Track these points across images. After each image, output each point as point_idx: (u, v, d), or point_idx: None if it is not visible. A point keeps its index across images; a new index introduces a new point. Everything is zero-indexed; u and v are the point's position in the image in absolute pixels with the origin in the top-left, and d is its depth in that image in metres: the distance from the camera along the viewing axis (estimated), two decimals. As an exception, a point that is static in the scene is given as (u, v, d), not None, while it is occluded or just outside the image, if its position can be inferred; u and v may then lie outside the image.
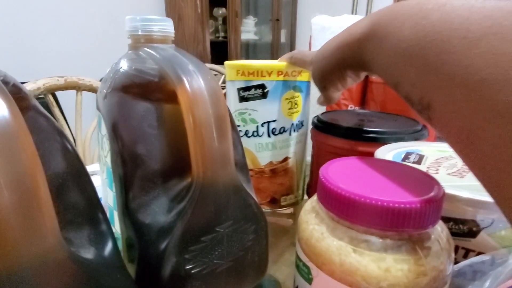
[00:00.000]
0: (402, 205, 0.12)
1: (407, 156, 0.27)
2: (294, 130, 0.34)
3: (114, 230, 0.18)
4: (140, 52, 0.21)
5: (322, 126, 0.33)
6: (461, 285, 0.19)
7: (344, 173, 0.15)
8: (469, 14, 0.12)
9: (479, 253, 0.20)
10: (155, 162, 0.19)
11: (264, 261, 0.23)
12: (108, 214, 0.18)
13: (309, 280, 0.15)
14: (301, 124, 0.35)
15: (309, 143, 0.37)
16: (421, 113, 0.14)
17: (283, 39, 2.15)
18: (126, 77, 0.20)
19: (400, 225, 0.13)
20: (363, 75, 0.22)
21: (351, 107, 0.46)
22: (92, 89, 0.62)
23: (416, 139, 0.30)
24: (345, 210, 0.14)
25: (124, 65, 0.21)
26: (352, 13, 1.98)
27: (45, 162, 0.15)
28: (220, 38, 1.70)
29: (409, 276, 0.12)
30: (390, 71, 0.15)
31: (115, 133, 0.20)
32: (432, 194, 0.13)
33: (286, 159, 0.34)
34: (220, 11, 1.64)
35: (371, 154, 0.28)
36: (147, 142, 0.19)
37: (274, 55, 2.09)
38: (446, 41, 0.12)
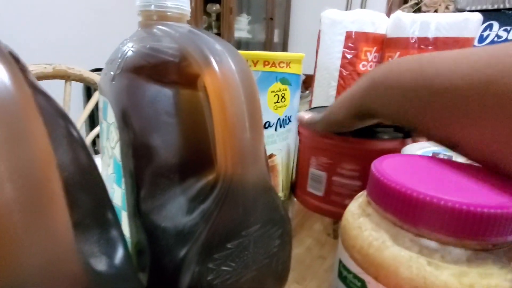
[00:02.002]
0: (491, 210, 0.10)
1: (434, 156, 0.25)
2: (281, 126, 0.32)
3: (122, 234, 0.15)
4: (154, 30, 0.19)
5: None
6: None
7: (404, 172, 0.13)
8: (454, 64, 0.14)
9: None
10: (172, 156, 0.17)
11: (286, 269, 0.21)
12: (115, 215, 0.16)
13: (363, 296, 0.13)
14: (288, 120, 0.32)
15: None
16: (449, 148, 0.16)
17: (276, 38, 2.14)
18: (138, 56, 0.18)
19: (487, 233, 0.11)
20: (368, 122, 0.23)
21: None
22: (82, 79, 0.58)
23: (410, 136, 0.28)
24: (415, 213, 0.12)
25: (134, 44, 0.19)
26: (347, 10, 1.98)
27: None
28: (213, 35, 1.66)
29: (497, 294, 0.10)
30: (402, 116, 0.17)
31: (125, 121, 0.17)
32: (518, 197, 0.11)
33: (271, 156, 0.32)
34: (214, 7, 1.60)
35: (367, 151, 0.26)
36: (164, 132, 0.17)
37: (266, 55, 2.07)
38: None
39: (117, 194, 0.18)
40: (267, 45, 2.05)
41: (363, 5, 1.90)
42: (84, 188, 0.13)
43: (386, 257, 0.12)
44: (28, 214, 0.08)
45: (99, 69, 1.36)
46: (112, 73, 0.18)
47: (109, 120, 0.18)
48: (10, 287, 0.08)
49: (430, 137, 0.17)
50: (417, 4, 1.70)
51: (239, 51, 0.30)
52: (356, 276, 0.13)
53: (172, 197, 0.16)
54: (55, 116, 0.14)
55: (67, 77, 0.56)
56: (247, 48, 2.11)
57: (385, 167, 0.14)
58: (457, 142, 0.14)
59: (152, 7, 0.19)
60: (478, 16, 0.35)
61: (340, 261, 0.15)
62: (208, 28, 1.67)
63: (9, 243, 0.08)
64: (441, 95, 0.14)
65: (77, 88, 1.29)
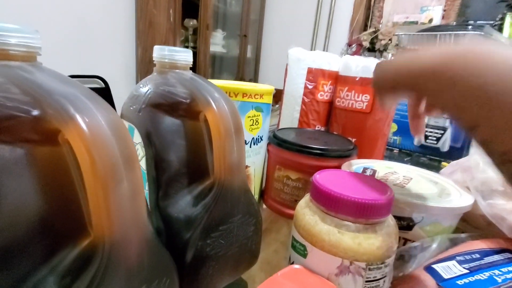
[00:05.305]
0: (370, 202, 0.19)
1: (364, 170, 0.35)
2: (254, 143, 0.40)
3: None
4: (168, 77, 0.26)
5: (276, 141, 0.40)
6: (400, 265, 0.27)
7: (329, 180, 0.22)
8: None
9: (413, 242, 0.28)
10: (182, 167, 0.24)
11: (257, 250, 0.28)
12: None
13: (305, 255, 0.21)
14: (260, 139, 0.41)
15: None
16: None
17: (249, 54, 2.25)
18: (159, 96, 0.25)
19: (368, 215, 0.20)
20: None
21: (318, 127, 0.54)
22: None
23: (348, 156, 0.38)
24: (332, 205, 0.20)
25: (154, 87, 0.26)
26: (314, 31, 2.16)
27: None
28: (189, 48, 1.73)
29: (373, 247, 0.19)
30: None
31: (149, 141, 0.24)
32: (387, 195, 0.20)
33: (246, 167, 0.41)
34: (191, 22, 1.68)
35: (314, 167, 0.36)
36: (176, 150, 0.24)
37: (240, 68, 2.17)
38: None
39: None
40: (241, 60, 2.15)
41: (327, 35, 2.09)
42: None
43: (316, 230, 0.21)
44: (132, 200, 0.15)
45: (74, 76, 1.37)
46: (136, 106, 0.26)
47: (135, 141, 0.25)
48: (125, 242, 0.15)
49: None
50: (374, 32, 1.91)
51: (221, 83, 0.38)
52: (301, 244, 0.22)
53: (182, 196, 0.24)
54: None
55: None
56: (222, 62, 2.20)
57: (320, 178, 0.22)
58: None
59: (166, 60, 0.27)
60: (405, 64, 0.47)
61: (293, 237, 0.23)
62: (185, 41, 1.74)
63: (124, 218, 0.15)
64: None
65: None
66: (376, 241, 0.20)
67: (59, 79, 0.15)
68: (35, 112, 0.14)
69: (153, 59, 0.27)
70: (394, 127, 0.80)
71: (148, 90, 0.26)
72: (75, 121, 0.14)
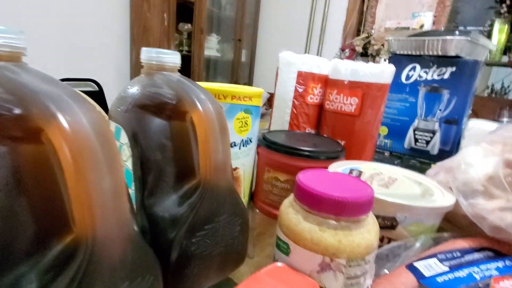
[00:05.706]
0: (350, 200, 0.20)
1: (351, 171, 0.35)
2: (243, 145, 0.40)
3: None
4: (155, 79, 0.27)
5: (265, 143, 0.40)
6: (384, 264, 0.27)
7: (312, 180, 0.23)
8: None
9: (397, 241, 0.29)
10: (168, 167, 0.25)
11: (244, 250, 0.29)
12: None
13: (287, 253, 0.22)
14: (249, 141, 0.41)
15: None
16: None
17: (243, 58, 2.26)
18: (146, 97, 0.26)
19: (348, 212, 0.20)
20: None
21: (308, 130, 0.55)
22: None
23: (335, 158, 0.38)
24: (315, 204, 0.21)
25: (141, 88, 0.26)
26: (307, 36, 2.19)
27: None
28: (184, 52, 1.74)
29: (353, 244, 0.20)
30: None
31: (136, 141, 0.24)
32: (367, 194, 0.21)
33: (235, 169, 0.41)
34: (186, 27, 1.69)
35: (302, 168, 0.36)
36: (162, 150, 0.25)
37: (234, 72, 2.18)
38: None
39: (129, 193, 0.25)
40: (235, 64, 2.16)
41: (323, 27, 2.12)
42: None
43: (299, 228, 0.21)
44: (115, 196, 0.15)
45: (68, 79, 1.36)
46: (123, 107, 0.26)
47: (122, 141, 0.25)
48: (106, 238, 0.15)
49: None
50: (367, 37, 1.94)
51: (210, 85, 0.38)
52: (284, 242, 0.22)
53: (167, 195, 0.24)
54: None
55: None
56: (216, 66, 2.21)
57: (304, 177, 0.23)
58: None
59: (154, 62, 0.27)
60: (392, 68, 0.48)
61: (277, 236, 0.23)
62: (179, 45, 1.74)
63: (107, 215, 0.15)
64: None
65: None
66: (356, 238, 0.20)
67: (44, 79, 0.15)
68: (19, 111, 0.14)
69: (141, 61, 0.28)
70: (384, 130, 0.81)
71: (135, 91, 0.26)
72: (57, 119, 0.14)
